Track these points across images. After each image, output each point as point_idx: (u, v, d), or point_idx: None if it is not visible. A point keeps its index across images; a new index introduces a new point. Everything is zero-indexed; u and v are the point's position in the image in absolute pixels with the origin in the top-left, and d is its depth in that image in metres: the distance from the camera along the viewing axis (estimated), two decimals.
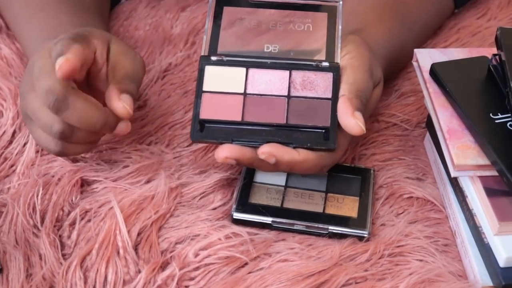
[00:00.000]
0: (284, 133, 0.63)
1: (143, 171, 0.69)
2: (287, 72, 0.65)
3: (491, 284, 0.60)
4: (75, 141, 0.64)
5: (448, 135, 0.63)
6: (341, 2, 0.67)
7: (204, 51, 0.66)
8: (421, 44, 0.84)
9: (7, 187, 0.68)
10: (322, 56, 0.65)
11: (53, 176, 0.69)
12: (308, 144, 0.62)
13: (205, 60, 0.65)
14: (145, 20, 0.90)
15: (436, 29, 0.88)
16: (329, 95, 0.64)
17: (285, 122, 0.63)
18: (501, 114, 0.63)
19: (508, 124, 0.62)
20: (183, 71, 0.82)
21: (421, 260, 0.63)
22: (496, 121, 0.62)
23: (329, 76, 0.64)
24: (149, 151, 0.72)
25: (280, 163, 0.62)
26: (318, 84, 0.64)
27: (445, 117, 0.65)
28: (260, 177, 0.69)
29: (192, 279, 0.61)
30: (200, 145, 0.73)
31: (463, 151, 0.62)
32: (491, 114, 0.63)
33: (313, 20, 0.67)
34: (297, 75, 0.65)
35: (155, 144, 0.73)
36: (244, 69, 0.65)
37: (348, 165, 0.71)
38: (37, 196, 0.66)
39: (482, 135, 0.61)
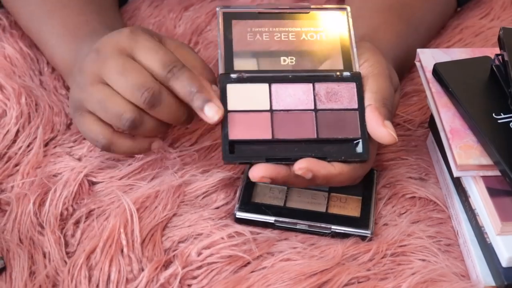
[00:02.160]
0: (316, 148, 0.62)
1: (146, 169, 0.70)
2: (310, 84, 0.64)
3: (493, 284, 0.60)
4: (140, 132, 0.64)
5: (451, 135, 0.63)
6: (348, 8, 0.67)
7: (221, 68, 0.64)
8: (426, 45, 0.84)
9: (11, 185, 0.68)
10: (339, 65, 0.65)
11: (57, 175, 0.69)
12: (343, 157, 0.62)
13: (225, 79, 0.64)
14: (148, 20, 0.90)
15: (440, 28, 0.88)
16: (355, 105, 0.63)
17: (315, 136, 0.62)
18: (504, 114, 0.63)
19: (510, 124, 0.62)
20: None
21: (423, 260, 0.63)
22: (499, 121, 0.62)
23: (352, 86, 0.64)
24: (152, 150, 0.72)
25: (317, 178, 0.61)
26: (343, 95, 0.64)
27: (447, 117, 0.65)
28: None
29: (194, 278, 0.61)
30: (204, 144, 0.73)
31: (465, 151, 0.62)
32: (493, 114, 0.63)
33: (324, 28, 0.66)
34: (321, 87, 0.64)
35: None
36: (266, 85, 0.64)
37: None
38: (42, 195, 0.66)
39: (484, 135, 0.61)
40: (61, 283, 0.60)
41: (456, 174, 0.62)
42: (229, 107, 0.63)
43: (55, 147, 0.72)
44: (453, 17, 0.90)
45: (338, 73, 0.64)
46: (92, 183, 0.69)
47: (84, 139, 0.73)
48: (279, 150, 0.61)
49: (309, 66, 0.65)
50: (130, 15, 0.90)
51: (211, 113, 0.61)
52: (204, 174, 0.70)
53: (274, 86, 0.64)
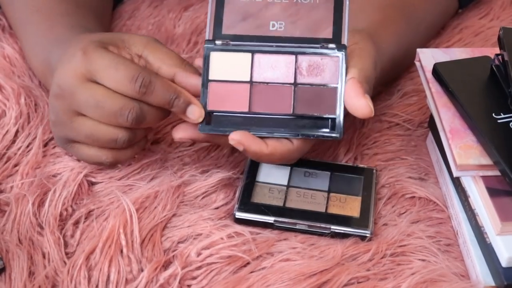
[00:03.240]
0: (291, 122, 0.62)
1: (146, 169, 0.70)
2: (293, 56, 0.64)
3: (493, 284, 0.60)
4: (143, 124, 0.63)
5: (451, 135, 0.63)
6: None
7: (208, 34, 0.65)
8: (425, 44, 0.84)
9: (10, 186, 0.68)
10: (329, 34, 0.64)
11: (56, 176, 0.69)
12: (315, 135, 0.62)
13: (210, 45, 0.64)
14: (148, 20, 0.90)
15: (440, 29, 0.88)
16: (336, 82, 0.63)
17: (291, 112, 0.63)
18: (504, 114, 0.63)
19: (510, 124, 0.62)
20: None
21: (423, 260, 0.63)
22: (499, 121, 0.62)
23: (336, 60, 0.63)
24: (151, 150, 0.72)
25: (247, 152, 0.62)
26: (325, 69, 0.64)
27: (447, 117, 0.65)
28: (263, 176, 0.69)
29: (194, 278, 0.61)
30: (203, 144, 0.73)
31: (465, 151, 0.62)
32: (493, 114, 0.63)
33: None
34: (303, 59, 0.64)
35: (157, 143, 0.73)
36: (249, 55, 0.64)
37: (351, 164, 0.71)
38: (41, 195, 0.66)
39: (484, 135, 0.61)
40: (60, 284, 0.60)
41: (455, 174, 0.62)
42: (211, 76, 0.64)
43: (54, 147, 0.72)
44: (453, 17, 0.90)
45: (323, 44, 0.64)
46: (92, 184, 0.69)
47: None
48: (255, 123, 0.63)
49: (297, 33, 0.65)
50: (129, 15, 0.90)
51: (194, 115, 0.62)
52: (204, 174, 0.70)
53: (257, 56, 0.64)
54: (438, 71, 0.67)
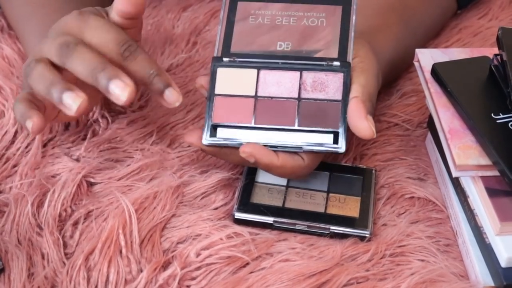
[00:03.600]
0: (294, 137, 0.63)
1: (145, 170, 0.70)
2: (298, 73, 0.65)
3: (492, 284, 0.60)
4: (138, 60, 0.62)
5: (450, 135, 0.63)
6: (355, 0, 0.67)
7: (217, 51, 0.66)
8: (423, 47, 0.84)
9: (9, 186, 0.68)
10: (334, 53, 0.65)
11: (55, 176, 0.69)
12: (318, 149, 0.63)
13: (217, 62, 0.65)
14: (147, 20, 0.90)
15: (439, 30, 0.88)
16: (339, 97, 0.64)
17: (295, 126, 0.63)
18: (503, 114, 0.63)
19: (509, 124, 0.62)
20: (184, 71, 0.83)
21: (422, 260, 0.63)
22: (498, 121, 0.62)
23: (340, 76, 0.64)
24: (150, 151, 0.72)
25: (259, 164, 0.63)
26: (329, 85, 0.64)
27: (446, 117, 0.65)
28: (262, 177, 0.69)
29: (193, 278, 0.61)
30: None
31: (464, 151, 0.62)
32: (492, 114, 0.63)
33: (327, 14, 0.67)
34: (308, 75, 0.65)
35: (156, 144, 0.73)
36: (255, 71, 0.65)
37: (350, 165, 0.72)
38: (41, 196, 0.66)
39: (483, 135, 0.61)
40: (59, 284, 0.60)
41: (455, 174, 0.62)
42: (217, 91, 0.65)
43: (53, 147, 0.72)
44: (451, 17, 0.90)
45: (328, 62, 0.65)
46: (91, 184, 0.69)
47: (83, 139, 0.73)
48: (259, 136, 0.63)
49: (303, 52, 0.66)
50: None
51: (172, 98, 0.62)
52: (203, 175, 0.70)
53: (263, 72, 0.65)
54: (437, 72, 0.67)
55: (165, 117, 0.76)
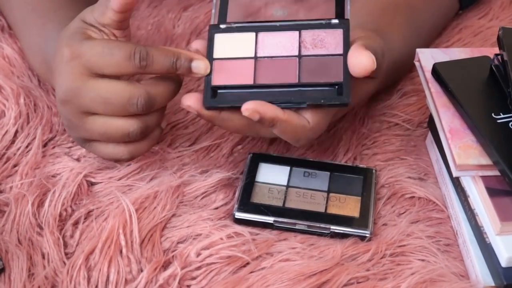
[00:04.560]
0: (297, 93, 0.62)
1: (145, 169, 0.70)
2: (297, 32, 0.64)
3: (493, 284, 0.60)
4: (156, 105, 0.63)
5: (450, 135, 0.63)
6: None
7: (213, 21, 0.65)
8: (427, 46, 0.84)
9: (9, 186, 0.68)
10: (331, 14, 0.64)
11: (55, 176, 0.69)
12: (322, 101, 0.61)
13: (214, 29, 0.65)
14: (147, 20, 0.90)
15: (441, 30, 0.88)
16: (341, 51, 0.63)
17: (297, 81, 0.62)
18: (503, 114, 0.63)
19: (510, 124, 0.62)
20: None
21: (423, 260, 0.63)
22: (498, 121, 0.62)
23: (339, 33, 0.63)
24: (151, 151, 0.72)
25: (264, 120, 0.60)
26: (329, 42, 0.63)
27: (447, 117, 0.65)
28: (262, 176, 0.69)
29: (193, 278, 0.61)
30: (203, 144, 0.73)
31: (465, 151, 0.62)
32: (493, 114, 0.63)
33: None
34: (307, 34, 0.64)
35: (157, 144, 0.73)
36: (253, 34, 0.64)
37: (350, 164, 0.71)
38: (41, 195, 0.66)
39: (484, 135, 0.61)
40: (60, 284, 0.60)
41: (455, 174, 0.62)
42: (215, 55, 0.64)
43: (53, 147, 0.72)
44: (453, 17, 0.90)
45: (326, 21, 0.64)
46: (91, 184, 0.69)
47: None
48: (261, 95, 0.61)
49: (301, 16, 0.65)
50: None
51: (200, 69, 0.62)
52: (203, 175, 0.70)
53: (261, 35, 0.65)
54: (438, 71, 0.67)
55: (165, 116, 0.76)
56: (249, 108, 0.59)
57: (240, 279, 0.61)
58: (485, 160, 0.61)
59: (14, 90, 0.76)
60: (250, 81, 0.62)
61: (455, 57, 0.69)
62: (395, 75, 0.76)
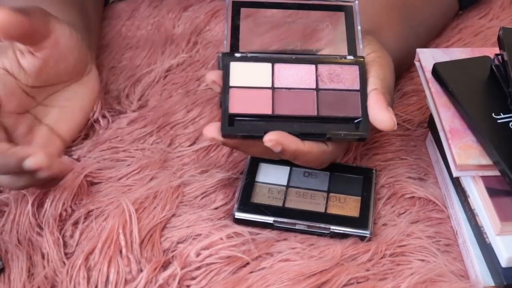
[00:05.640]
0: (316, 125, 0.62)
1: (145, 169, 0.70)
2: (313, 66, 0.65)
3: (492, 284, 0.60)
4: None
5: (450, 135, 0.63)
6: (356, 2, 0.67)
7: (226, 49, 0.65)
8: (425, 47, 0.84)
9: None
10: (344, 51, 0.65)
11: None
12: (343, 134, 0.61)
13: (228, 56, 0.64)
14: (147, 20, 0.90)
15: (441, 30, 0.88)
16: (357, 87, 0.63)
17: (316, 113, 0.62)
18: (503, 114, 0.63)
19: (510, 124, 0.62)
20: (185, 71, 0.82)
21: (422, 260, 0.63)
22: (498, 121, 0.62)
23: (355, 69, 0.64)
24: (150, 151, 0.72)
25: (286, 152, 0.60)
26: (345, 77, 0.64)
27: (447, 117, 0.65)
28: (262, 176, 0.69)
29: (193, 278, 0.61)
30: (202, 144, 0.73)
31: (465, 151, 0.62)
32: (493, 114, 0.63)
33: (331, 20, 0.67)
34: (323, 68, 0.64)
35: (156, 144, 0.73)
36: (269, 65, 0.64)
37: (350, 164, 0.71)
38: (41, 196, 0.66)
39: (484, 135, 0.61)
40: (59, 284, 0.60)
41: (455, 174, 0.62)
42: (231, 83, 0.63)
43: None
44: (453, 18, 0.90)
45: (341, 57, 0.65)
46: (91, 184, 0.69)
47: (84, 139, 0.73)
48: (279, 126, 0.61)
49: (314, 51, 0.66)
50: (129, 15, 0.90)
51: (32, 164, 0.56)
52: (203, 175, 0.70)
53: (277, 66, 0.65)
54: (438, 71, 0.67)
55: (165, 117, 0.76)
56: (272, 139, 0.59)
57: (240, 279, 0.61)
58: (485, 160, 0.61)
59: None
60: (268, 111, 0.62)
61: (455, 57, 0.69)
62: (395, 72, 0.76)
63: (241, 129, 0.61)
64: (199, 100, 0.78)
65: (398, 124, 0.76)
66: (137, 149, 0.72)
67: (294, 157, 0.61)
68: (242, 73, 0.64)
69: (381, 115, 0.61)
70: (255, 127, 0.61)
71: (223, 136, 0.60)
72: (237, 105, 0.62)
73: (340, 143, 0.64)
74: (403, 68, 0.80)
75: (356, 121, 0.62)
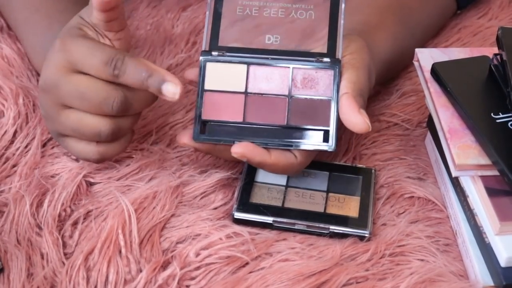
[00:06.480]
0: (285, 134, 0.64)
1: (145, 169, 0.69)
2: (288, 69, 0.65)
3: (492, 284, 0.60)
4: (131, 110, 0.63)
5: (449, 135, 0.63)
6: None
7: (205, 45, 0.66)
8: (422, 46, 0.84)
9: (8, 187, 0.68)
10: (323, 49, 0.65)
11: (54, 176, 0.69)
12: (308, 147, 0.63)
13: (205, 56, 0.65)
14: (146, 20, 0.90)
15: (438, 30, 0.88)
16: (330, 94, 0.64)
17: (285, 123, 0.64)
18: (502, 114, 0.63)
19: (509, 124, 0.62)
20: (184, 71, 0.82)
21: (422, 260, 0.63)
22: (497, 120, 0.62)
23: (330, 74, 0.64)
24: (150, 151, 0.72)
25: (251, 162, 0.63)
26: (319, 82, 0.65)
27: (446, 116, 0.65)
28: (261, 176, 0.69)
29: (193, 278, 0.61)
30: None
31: (464, 150, 0.62)
32: (492, 114, 0.63)
33: (315, 7, 0.66)
34: (298, 72, 0.65)
35: (156, 144, 0.73)
36: (245, 66, 0.65)
37: (349, 164, 0.71)
38: (40, 196, 0.66)
39: (483, 135, 0.61)
40: (59, 284, 0.60)
41: (454, 174, 0.62)
42: (206, 87, 0.65)
43: (52, 147, 0.72)
44: (451, 17, 0.90)
45: (318, 58, 0.65)
46: (90, 184, 0.69)
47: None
48: (249, 133, 0.64)
49: (292, 46, 0.66)
50: (128, 15, 0.90)
51: (170, 93, 0.61)
52: (202, 175, 0.70)
53: (252, 68, 0.65)
54: (437, 71, 0.67)
55: (164, 117, 0.76)
56: (237, 152, 0.62)
57: (239, 279, 0.61)
58: (484, 160, 0.61)
59: (13, 90, 0.76)
60: (239, 119, 0.64)
61: (454, 57, 0.69)
62: (386, 74, 0.76)
63: (213, 134, 0.64)
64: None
65: (397, 124, 0.77)
66: (136, 149, 0.72)
67: (260, 167, 0.64)
68: (217, 74, 0.65)
69: (353, 118, 0.62)
70: (226, 132, 0.64)
71: (195, 141, 0.64)
72: (210, 111, 0.64)
73: (308, 154, 0.65)
74: (398, 68, 0.80)
75: (324, 132, 0.63)
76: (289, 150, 0.64)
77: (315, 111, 0.64)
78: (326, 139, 0.63)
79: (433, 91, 0.67)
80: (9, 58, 0.80)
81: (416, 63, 0.71)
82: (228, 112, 0.64)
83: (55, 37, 0.70)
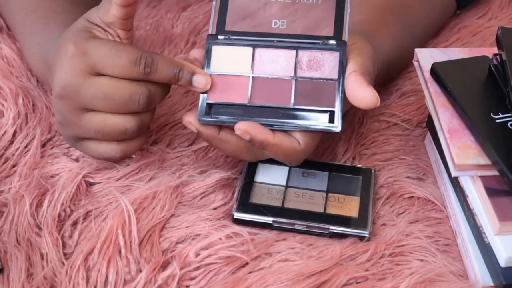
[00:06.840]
0: (290, 115, 0.63)
1: (144, 169, 0.69)
2: (294, 51, 0.65)
3: (491, 284, 0.60)
4: (153, 104, 0.64)
5: (449, 135, 0.63)
6: None
7: (211, 29, 0.66)
8: (422, 46, 0.84)
9: (8, 187, 0.68)
10: (330, 32, 0.65)
11: (54, 176, 0.69)
12: (313, 127, 0.63)
13: (212, 40, 0.65)
14: (146, 20, 0.90)
15: (437, 30, 0.88)
16: (335, 76, 0.63)
17: (291, 104, 0.63)
18: (502, 114, 0.63)
19: (508, 124, 0.62)
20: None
21: (422, 260, 0.63)
22: (497, 120, 0.62)
23: (336, 55, 0.64)
24: (149, 151, 0.72)
25: (254, 142, 0.62)
26: (324, 64, 0.64)
27: (445, 116, 0.65)
28: (261, 177, 0.69)
29: (192, 278, 0.61)
30: (201, 144, 0.73)
31: (463, 150, 0.62)
32: (491, 114, 0.63)
33: None
34: (304, 54, 0.65)
35: (156, 144, 0.73)
36: (251, 49, 0.65)
37: (349, 165, 0.71)
38: (40, 196, 0.66)
39: (482, 135, 0.61)
40: (58, 285, 0.60)
41: (454, 174, 0.62)
42: (212, 69, 0.65)
43: (52, 148, 0.72)
44: (451, 17, 0.90)
45: (324, 41, 0.65)
46: (90, 184, 0.69)
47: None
48: (254, 114, 0.63)
49: (299, 31, 0.66)
50: None
51: (200, 83, 0.63)
52: (202, 175, 0.70)
53: (258, 51, 0.65)
54: (436, 71, 0.67)
55: (164, 117, 0.76)
56: (240, 128, 0.61)
57: (239, 279, 0.61)
58: (484, 160, 0.61)
59: (12, 90, 0.76)
60: (245, 100, 0.64)
61: (453, 57, 0.69)
62: (386, 74, 0.76)
63: (218, 117, 0.63)
64: (198, 100, 0.78)
65: (396, 124, 0.77)
66: None
67: (262, 148, 0.63)
68: (223, 57, 0.65)
69: (362, 92, 0.61)
70: (231, 114, 0.63)
71: (200, 123, 0.63)
72: (215, 93, 0.64)
73: (311, 141, 0.64)
74: (398, 68, 0.80)
75: (330, 113, 0.63)
76: (293, 136, 0.63)
77: (320, 92, 0.63)
78: (331, 120, 0.63)
79: (432, 91, 0.67)
80: (8, 58, 0.80)
81: (415, 63, 0.71)
82: (234, 94, 0.64)
83: (51, 38, 0.70)
